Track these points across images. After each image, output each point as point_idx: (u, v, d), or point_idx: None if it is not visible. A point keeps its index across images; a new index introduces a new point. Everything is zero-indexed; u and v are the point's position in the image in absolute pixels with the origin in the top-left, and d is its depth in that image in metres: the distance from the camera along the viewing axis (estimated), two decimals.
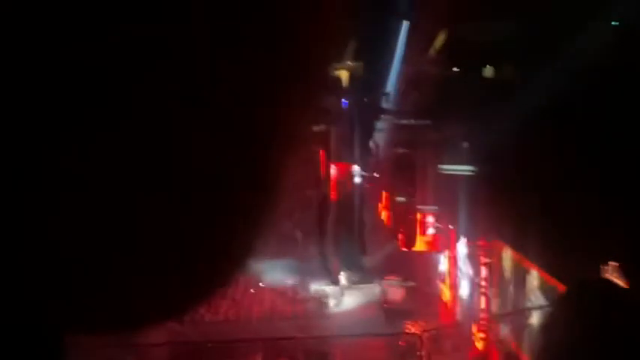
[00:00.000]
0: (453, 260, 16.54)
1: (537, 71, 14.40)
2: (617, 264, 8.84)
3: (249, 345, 16.88)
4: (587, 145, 11.52)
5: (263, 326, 18.32)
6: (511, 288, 12.39)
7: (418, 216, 18.06)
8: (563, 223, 9.97)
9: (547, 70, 13.82)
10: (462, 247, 15.72)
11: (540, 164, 12.38)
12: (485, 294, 14.18)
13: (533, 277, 10.89)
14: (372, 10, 23.68)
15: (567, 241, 9.67)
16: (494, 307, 13.77)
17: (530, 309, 10.87)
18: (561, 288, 9.75)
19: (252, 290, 21.17)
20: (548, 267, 10.54)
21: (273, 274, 22.09)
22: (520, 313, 11.48)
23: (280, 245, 25.43)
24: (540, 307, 10.11)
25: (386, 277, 20.00)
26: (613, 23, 13.58)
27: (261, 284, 21.63)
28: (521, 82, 15.59)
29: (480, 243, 14.30)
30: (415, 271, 20.25)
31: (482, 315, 14.21)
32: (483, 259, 14.17)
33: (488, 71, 24.60)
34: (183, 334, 17.83)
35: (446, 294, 17.84)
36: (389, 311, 18.76)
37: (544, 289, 10.45)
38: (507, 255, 12.09)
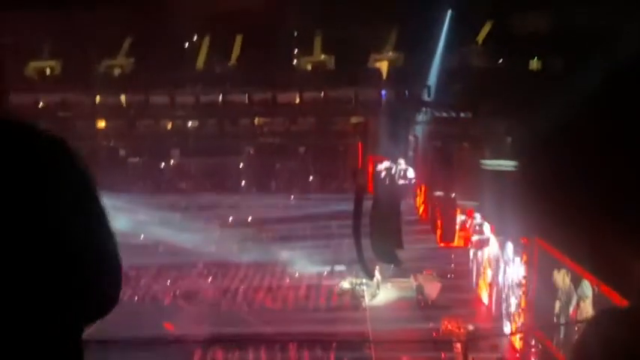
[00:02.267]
0: (492, 257, 16.18)
1: (585, 64, 13.83)
2: None
3: (286, 335, 17.04)
4: (637, 140, 10.99)
5: (298, 316, 18.44)
6: (559, 293, 11.95)
7: (457, 211, 17.72)
8: (609, 223, 9.56)
9: (595, 64, 13.25)
10: (502, 244, 15.34)
11: (587, 161, 11.90)
12: (524, 293, 13.81)
13: (585, 286, 10.47)
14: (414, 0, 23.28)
15: (614, 242, 9.28)
16: (533, 308, 13.39)
17: (576, 321, 10.46)
18: (612, 295, 9.38)
19: (287, 280, 21.36)
20: (594, 269, 10.15)
21: (309, 264, 22.21)
22: (565, 324, 11.07)
23: (316, 236, 25.56)
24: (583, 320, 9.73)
25: (422, 272, 19.76)
26: None
27: (297, 274, 21.79)
28: (569, 76, 15.01)
29: (521, 241, 13.92)
30: (452, 266, 19.92)
31: (520, 315, 13.85)
32: (524, 258, 13.79)
33: (534, 64, 23.88)
34: (221, 321, 18.21)
35: (483, 291, 17.50)
36: (425, 306, 18.55)
37: (594, 296, 10.05)
38: (560, 267, 11.57)
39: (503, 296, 15.46)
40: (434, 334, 15.98)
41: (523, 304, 14.17)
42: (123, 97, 32.34)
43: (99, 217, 1.17)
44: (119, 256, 1.21)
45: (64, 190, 1.11)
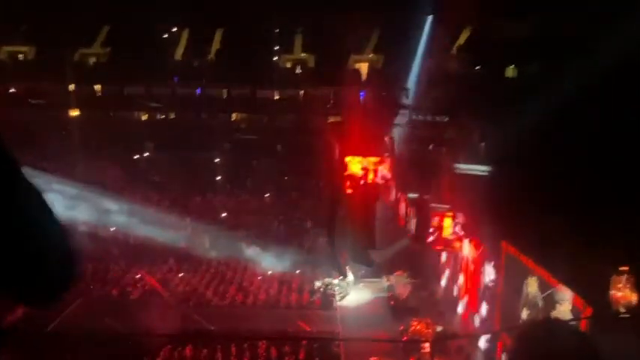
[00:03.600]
0: (464, 260, 16.39)
1: (560, 72, 14.10)
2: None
3: (255, 332, 16.97)
4: (610, 147, 11.26)
5: (268, 313, 18.40)
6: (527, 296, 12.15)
7: (430, 213, 17.89)
8: (579, 228, 9.77)
9: (570, 72, 13.51)
10: (472, 247, 15.55)
11: (559, 167, 12.14)
12: (492, 296, 14.03)
13: (554, 293, 10.66)
14: (396, 3, 23.43)
15: (582, 246, 9.48)
16: (500, 311, 13.61)
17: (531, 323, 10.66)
18: (578, 302, 9.56)
19: (259, 277, 21.29)
20: (557, 271, 10.36)
21: (281, 262, 22.17)
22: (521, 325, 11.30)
23: (290, 234, 25.55)
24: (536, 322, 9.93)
25: (394, 273, 19.92)
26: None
27: (269, 272, 21.74)
28: (544, 83, 15.28)
29: (491, 244, 14.13)
30: (424, 268, 20.13)
31: (487, 319, 14.06)
32: (493, 261, 14.01)
33: (510, 71, 24.30)
34: (190, 316, 18.03)
35: (454, 293, 17.70)
36: (395, 307, 18.71)
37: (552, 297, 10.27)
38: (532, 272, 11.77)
39: (473, 298, 15.67)
40: (403, 334, 16.12)
41: (487, 308, 14.39)
42: (97, 87, 31.74)
43: (31, 200, 1.15)
44: (64, 240, 1.17)
45: None
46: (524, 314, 11.82)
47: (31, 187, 1.19)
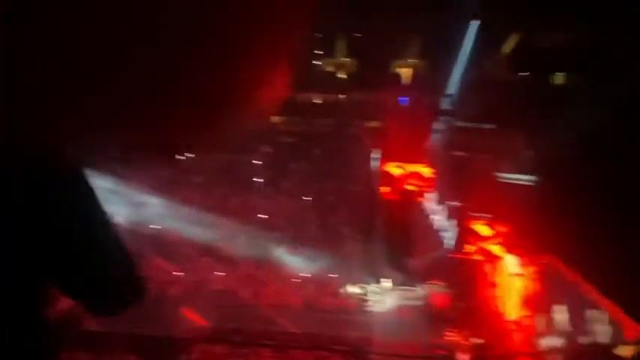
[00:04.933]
0: (505, 272, 15.96)
1: (608, 81, 13.61)
2: None
3: (288, 335, 17.01)
4: None
5: (302, 317, 18.39)
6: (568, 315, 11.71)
7: (470, 222, 17.53)
8: (629, 246, 9.34)
9: (618, 80, 13.03)
10: (514, 259, 15.13)
11: (607, 179, 11.68)
12: (533, 312, 13.59)
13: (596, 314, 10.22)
14: (440, 7, 23.11)
15: (629, 263, 9.07)
16: (543, 327, 13.16)
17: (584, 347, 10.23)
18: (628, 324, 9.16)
19: (294, 280, 21.32)
20: (609, 292, 9.93)
21: (316, 266, 22.15)
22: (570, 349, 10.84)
23: (326, 238, 25.49)
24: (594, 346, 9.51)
25: (430, 282, 19.59)
26: None
27: (304, 275, 21.74)
28: (592, 92, 14.77)
29: (535, 258, 13.71)
30: (462, 279, 19.71)
31: (527, 334, 13.64)
32: (535, 275, 13.59)
33: (558, 78, 23.58)
34: (226, 317, 18.21)
35: (493, 306, 17.26)
36: (431, 316, 18.38)
37: (607, 323, 9.82)
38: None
39: (514, 313, 15.23)
40: (438, 345, 15.81)
41: (527, 323, 13.96)
42: None
43: (101, 219, 1.16)
44: (127, 257, 1.17)
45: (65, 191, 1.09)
46: (567, 332, 11.40)
47: (105, 214, 1.22)
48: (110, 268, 1.17)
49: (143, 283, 1.25)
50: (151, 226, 23.84)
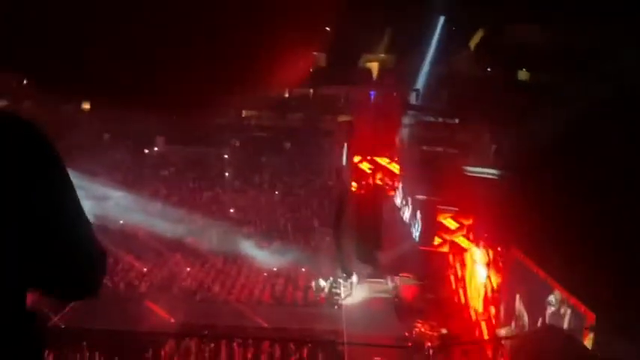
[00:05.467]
0: (471, 263, 16.32)
1: (572, 79, 14.02)
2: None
3: (260, 329, 17.05)
4: (620, 155, 11.17)
5: (273, 310, 18.45)
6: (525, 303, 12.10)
7: (438, 215, 17.84)
8: (586, 236, 9.70)
9: (583, 77, 13.42)
10: (479, 250, 15.49)
11: (570, 173, 12.05)
12: (497, 301, 13.97)
13: (553, 294, 10.62)
14: (408, 3, 23.33)
15: (587, 255, 9.42)
16: (505, 316, 13.55)
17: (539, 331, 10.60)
18: (581, 309, 9.51)
19: (265, 274, 21.34)
20: (564, 280, 10.30)
21: (287, 260, 22.21)
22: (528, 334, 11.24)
23: (297, 232, 25.58)
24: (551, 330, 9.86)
25: (399, 274, 19.88)
26: None
27: (275, 269, 21.79)
28: (555, 89, 15.19)
29: (498, 249, 14.07)
30: (430, 271, 20.06)
31: (492, 323, 14.01)
32: (500, 265, 13.95)
33: (523, 75, 24.13)
34: (195, 312, 18.13)
35: (460, 296, 17.65)
36: (400, 308, 18.67)
37: (563, 306, 10.19)
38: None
39: (480, 303, 15.62)
40: (407, 336, 16.10)
41: (493, 312, 14.33)
42: None
43: (72, 202, 1.17)
44: (95, 242, 1.20)
45: (38, 176, 1.11)
46: (526, 320, 11.77)
47: (71, 186, 1.21)
48: (79, 256, 1.19)
49: (104, 270, 1.27)
50: (117, 221, 23.50)
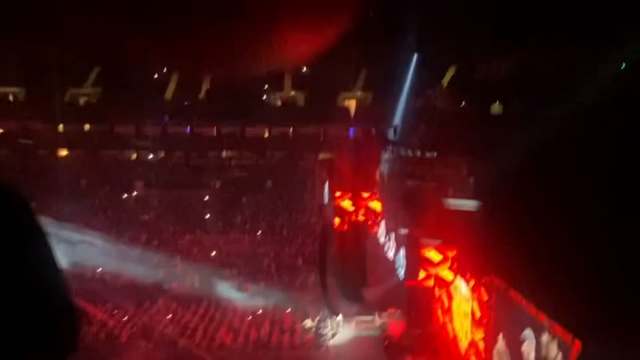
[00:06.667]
0: (457, 296, 16.23)
1: (543, 109, 14.41)
2: None
3: None
4: (595, 183, 11.37)
5: (259, 355, 18.00)
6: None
7: (421, 249, 17.82)
8: (566, 265, 9.75)
9: (554, 108, 13.81)
10: (464, 283, 15.43)
11: (547, 202, 12.21)
12: (484, 334, 13.84)
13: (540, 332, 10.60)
14: (383, 41, 23.95)
15: (572, 285, 9.44)
16: (496, 349, 13.41)
17: None
18: (567, 338, 9.47)
19: (249, 317, 20.89)
20: (548, 309, 10.28)
21: (271, 301, 21.82)
22: None
23: (280, 272, 25.25)
24: None
25: (386, 311, 19.68)
26: (621, 65, 13.60)
27: (259, 311, 21.36)
28: (528, 119, 15.57)
29: (482, 280, 14.03)
30: (417, 306, 19.89)
31: (481, 356, 13.83)
32: (484, 297, 13.88)
33: (496, 107, 24.76)
34: (180, 358, 17.58)
35: (448, 330, 17.47)
36: (389, 346, 18.38)
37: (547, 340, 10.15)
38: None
39: (468, 336, 15.44)
40: None
41: (481, 345, 14.18)
42: (87, 126, 31.83)
43: (47, 259, 1.13)
44: (69, 296, 1.14)
45: (16, 235, 1.07)
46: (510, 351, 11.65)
47: (41, 233, 1.16)
48: (51, 312, 1.11)
49: (79, 328, 1.19)
50: (96, 268, 22.95)
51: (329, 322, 19.84)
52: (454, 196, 16.15)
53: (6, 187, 1.11)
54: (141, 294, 21.93)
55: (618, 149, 10.93)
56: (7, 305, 1.02)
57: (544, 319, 9.87)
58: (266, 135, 32.49)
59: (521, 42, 19.73)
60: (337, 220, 19.49)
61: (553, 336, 9.75)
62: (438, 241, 17.00)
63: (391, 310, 19.60)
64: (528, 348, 10.06)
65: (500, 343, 11.67)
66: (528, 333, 10.35)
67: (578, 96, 12.49)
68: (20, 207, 1.12)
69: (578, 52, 14.04)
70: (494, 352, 11.68)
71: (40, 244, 1.14)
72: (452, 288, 16.72)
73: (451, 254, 16.39)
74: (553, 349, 9.71)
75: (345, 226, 19.70)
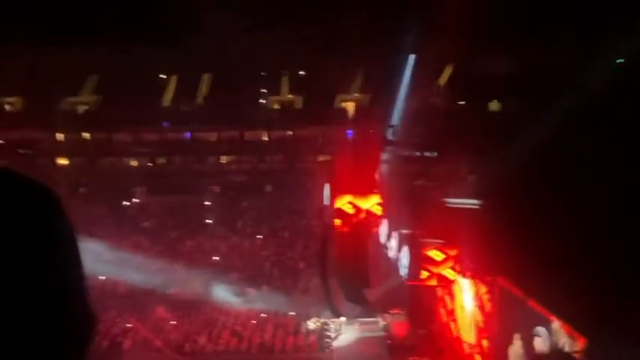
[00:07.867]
0: (460, 295, 16.23)
1: (541, 106, 14.44)
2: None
3: None
4: (593, 179, 11.40)
5: (264, 358, 17.99)
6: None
7: (423, 249, 17.81)
8: (566, 261, 9.77)
9: (552, 105, 13.83)
10: (467, 281, 15.43)
11: (548, 199, 12.23)
12: (488, 333, 13.84)
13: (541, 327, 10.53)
14: (380, 43, 24.00)
15: (574, 282, 9.45)
16: (495, 348, 13.41)
17: None
18: (572, 334, 9.47)
19: (253, 321, 20.89)
20: (552, 305, 10.29)
21: (274, 305, 21.82)
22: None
23: (282, 275, 25.25)
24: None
25: (389, 311, 19.66)
26: (618, 61, 13.63)
27: (263, 315, 21.35)
28: (526, 117, 15.60)
29: (484, 278, 14.04)
30: (420, 305, 19.88)
31: (485, 355, 13.83)
32: (486, 296, 13.89)
33: (494, 105, 24.79)
34: None
35: (451, 329, 17.47)
36: (393, 346, 18.37)
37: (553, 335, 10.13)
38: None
39: (472, 335, 15.44)
40: None
41: (485, 344, 14.18)
42: (86, 135, 31.83)
43: (79, 267, 1.14)
44: (89, 301, 1.16)
45: (55, 242, 1.07)
46: (518, 347, 11.66)
47: (72, 235, 1.17)
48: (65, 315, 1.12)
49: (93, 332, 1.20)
50: (98, 276, 22.92)
51: (332, 323, 19.83)
52: (454, 195, 16.16)
53: (42, 186, 1.12)
54: (143, 301, 21.91)
55: (619, 146, 10.95)
56: (24, 306, 1.03)
57: (551, 317, 9.88)
58: (264, 139, 32.50)
59: (519, 39, 19.77)
60: (338, 222, 19.48)
61: (561, 332, 9.76)
62: (439, 241, 16.99)
63: (394, 311, 19.58)
64: (540, 345, 10.06)
65: (516, 343, 11.63)
66: (540, 330, 10.34)
67: (577, 93, 12.52)
68: (54, 207, 1.13)
69: (576, 49, 14.08)
70: (510, 352, 11.64)
71: (69, 246, 1.15)
72: (454, 287, 16.71)
73: (453, 253, 16.37)
74: (562, 344, 9.71)
75: (346, 228, 19.69)
